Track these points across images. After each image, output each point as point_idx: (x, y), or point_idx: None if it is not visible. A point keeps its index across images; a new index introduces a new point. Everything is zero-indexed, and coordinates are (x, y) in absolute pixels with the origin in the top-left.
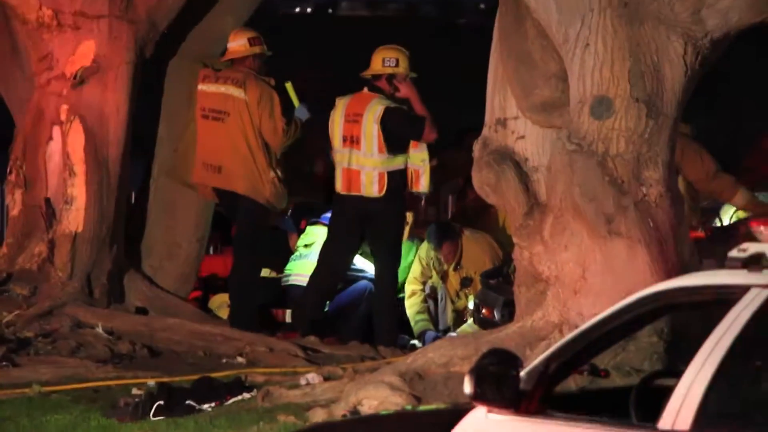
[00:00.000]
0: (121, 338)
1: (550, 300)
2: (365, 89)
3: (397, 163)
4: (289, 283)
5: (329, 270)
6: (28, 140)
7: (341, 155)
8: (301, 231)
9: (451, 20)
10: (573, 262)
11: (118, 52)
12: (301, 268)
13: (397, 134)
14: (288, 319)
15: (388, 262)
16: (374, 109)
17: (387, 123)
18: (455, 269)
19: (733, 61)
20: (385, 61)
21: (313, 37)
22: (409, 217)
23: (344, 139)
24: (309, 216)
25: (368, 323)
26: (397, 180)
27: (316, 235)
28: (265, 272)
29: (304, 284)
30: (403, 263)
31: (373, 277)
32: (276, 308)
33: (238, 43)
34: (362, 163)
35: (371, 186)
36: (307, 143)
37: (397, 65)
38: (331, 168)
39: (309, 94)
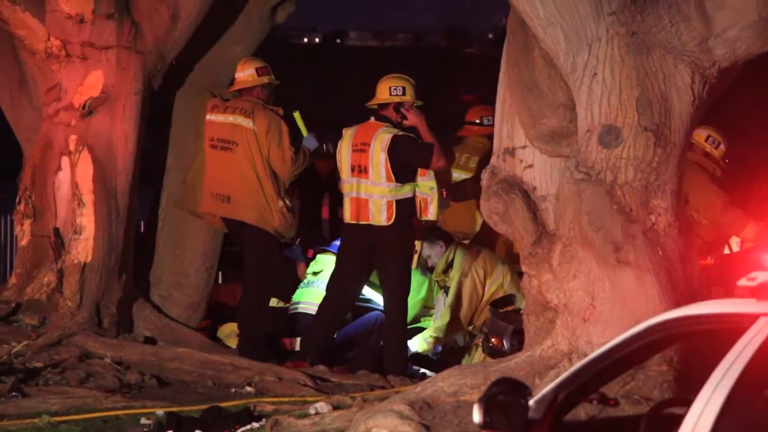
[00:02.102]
0: (130, 368)
1: (559, 328)
2: (372, 119)
3: (405, 191)
4: (298, 311)
5: (338, 299)
6: (36, 170)
7: (350, 185)
8: (308, 260)
9: (460, 49)
10: (582, 291)
11: (127, 83)
12: (309, 296)
13: (405, 162)
14: (297, 347)
15: (397, 290)
16: (381, 138)
17: (395, 151)
18: (444, 272)
19: None
20: (392, 89)
21: (322, 66)
22: (418, 245)
23: (352, 169)
24: (316, 245)
25: (380, 353)
26: (406, 208)
27: (324, 263)
28: (273, 302)
29: (313, 312)
30: (416, 297)
31: (381, 306)
32: (285, 337)
33: (246, 73)
34: (370, 191)
35: (380, 214)
36: None
37: (404, 93)
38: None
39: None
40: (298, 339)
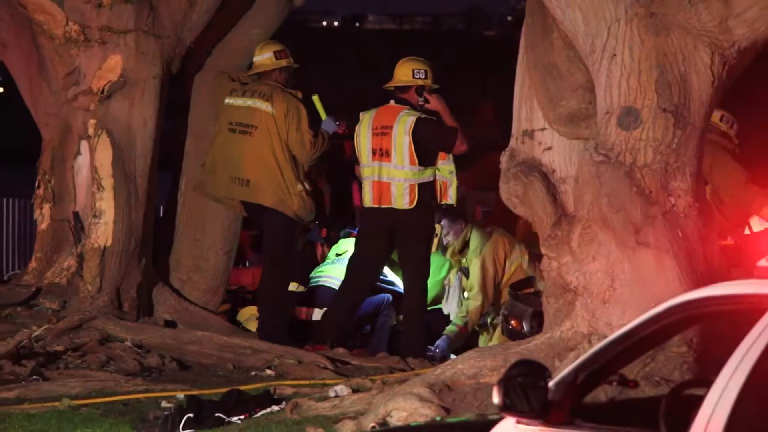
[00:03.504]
0: (150, 351)
1: (578, 310)
2: (391, 102)
3: (427, 175)
4: (319, 283)
5: (358, 283)
6: (56, 155)
7: (370, 169)
8: (324, 239)
9: (479, 32)
10: (601, 272)
11: (145, 67)
12: (332, 270)
13: (429, 145)
14: (314, 317)
15: (418, 273)
16: (404, 121)
17: (419, 134)
18: (459, 252)
19: None
20: (415, 72)
21: (341, 50)
22: (438, 228)
23: (373, 153)
24: (332, 227)
25: (387, 335)
26: (427, 192)
27: (349, 244)
28: (292, 286)
29: (334, 286)
30: (436, 277)
31: (402, 289)
32: (301, 306)
33: (265, 57)
34: (393, 175)
35: (402, 198)
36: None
37: (425, 77)
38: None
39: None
40: (315, 310)
